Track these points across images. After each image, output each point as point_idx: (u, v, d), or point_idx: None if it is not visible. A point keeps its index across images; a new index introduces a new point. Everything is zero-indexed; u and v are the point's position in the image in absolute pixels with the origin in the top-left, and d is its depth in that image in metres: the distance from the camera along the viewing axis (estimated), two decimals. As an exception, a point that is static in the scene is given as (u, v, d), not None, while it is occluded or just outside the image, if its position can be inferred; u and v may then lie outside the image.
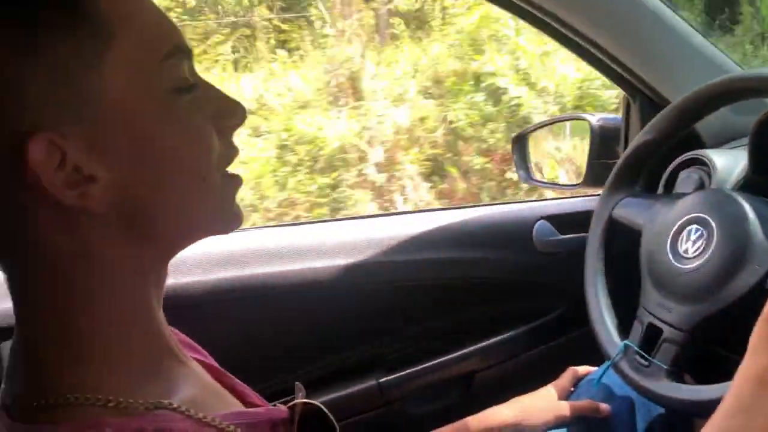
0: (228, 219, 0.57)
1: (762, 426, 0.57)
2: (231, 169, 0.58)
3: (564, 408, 0.95)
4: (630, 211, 0.95)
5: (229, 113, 0.56)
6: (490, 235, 1.26)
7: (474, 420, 0.94)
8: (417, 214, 1.37)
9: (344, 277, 1.17)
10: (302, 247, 1.18)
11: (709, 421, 0.60)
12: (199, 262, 1.13)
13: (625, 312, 0.92)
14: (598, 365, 1.00)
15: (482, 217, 1.30)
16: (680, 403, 0.76)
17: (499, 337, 1.25)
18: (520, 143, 1.49)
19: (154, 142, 0.50)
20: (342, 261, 1.18)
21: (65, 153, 0.46)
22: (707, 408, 0.69)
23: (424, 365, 1.22)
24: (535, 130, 1.51)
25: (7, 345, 0.54)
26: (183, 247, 0.57)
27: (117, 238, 0.51)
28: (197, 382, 0.58)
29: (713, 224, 0.79)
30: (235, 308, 1.14)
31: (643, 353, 0.82)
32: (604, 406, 0.95)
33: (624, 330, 0.89)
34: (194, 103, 0.53)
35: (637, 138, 0.97)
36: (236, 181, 0.58)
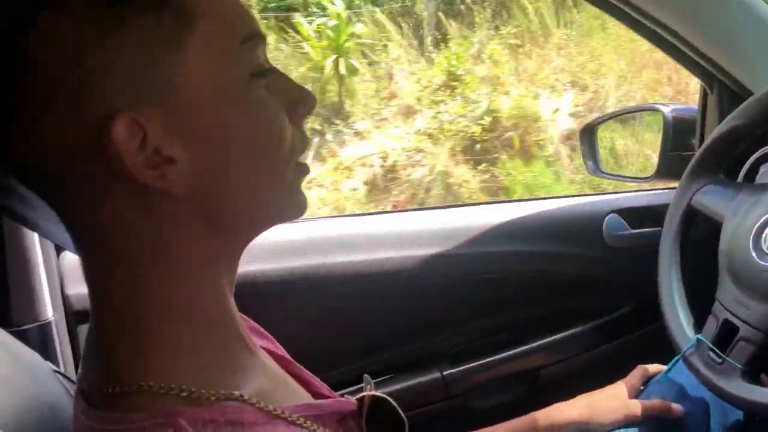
0: (296, 208, 0.57)
1: None
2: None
3: (634, 407, 0.91)
4: (711, 199, 0.91)
5: (301, 101, 0.56)
6: (559, 228, 1.24)
7: (540, 415, 0.92)
8: (485, 206, 1.36)
9: (410, 268, 1.17)
10: (367, 237, 1.19)
11: None
12: (266, 251, 1.14)
13: (700, 306, 0.88)
14: (668, 364, 0.98)
15: (552, 210, 1.28)
16: (751, 404, 0.73)
17: (566, 333, 1.23)
18: (588, 134, 1.45)
19: (230, 128, 0.50)
20: (408, 252, 1.18)
21: (146, 133, 0.47)
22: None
23: (489, 359, 1.21)
24: (605, 121, 1.47)
25: (84, 328, 0.56)
26: (254, 236, 0.57)
27: (190, 224, 0.51)
28: (267, 372, 0.58)
29: None
30: (300, 298, 1.15)
31: (717, 350, 0.79)
32: (677, 407, 0.91)
33: (698, 324, 0.86)
34: (269, 90, 0.53)
35: (725, 122, 0.92)
36: (304, 170, 0.58)
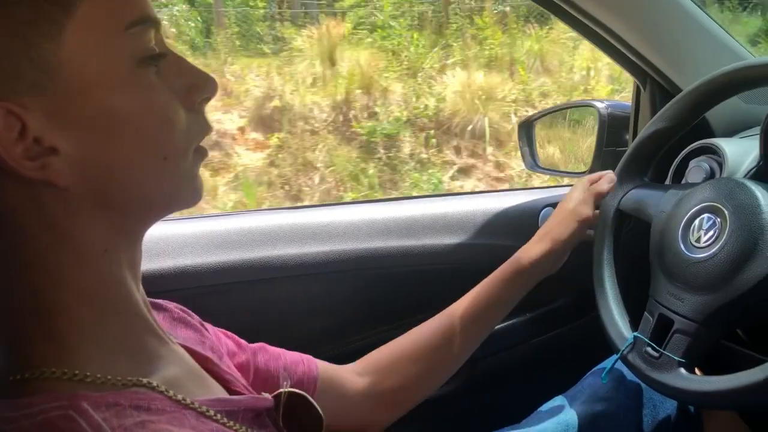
0: (191, 194, 0.56)
1: None
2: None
3: (580, 209, 0.95)
4: (639, 202, 0.94)
5: (199, 87, 0.55)
6: (495, 221, 1.25)
7: (507, 267, 0.95)
8: (425, 199, 1.35)
9: (355, 260, 1.17)
10: (302, 230, 1.17)
11: None
12: (201, 245, 1.12)
13: (635, 305, 0.91)
14: (603, 355, 1.00)
15: (488, 204, 1.29)
16: (691, 394, 0.74)
17: (502, 325, 1.24)
18: (526, 130, 1.48)
19: (115, 115, 0.49)
20: (343, 246, 1.17)
21: (25, 123, 0.46)
22: (719, 399, 0.68)
23: None
24: (541, 116, 1.49)
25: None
26: (151, 223, 0.56)
27: (82, 213, 0.50)
28: (180, 363, 0.58)
29: (726, 213, 0.77)
30: (235, 291, 1.13)
31: (654, 345, 0.80)
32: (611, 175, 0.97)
33: (634, 324, 0.88)
34: (161, 76, 0.52)
35: (648, 126, 0.96)
36: (201, 154, 0.57)
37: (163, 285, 1.03)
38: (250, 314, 1.13)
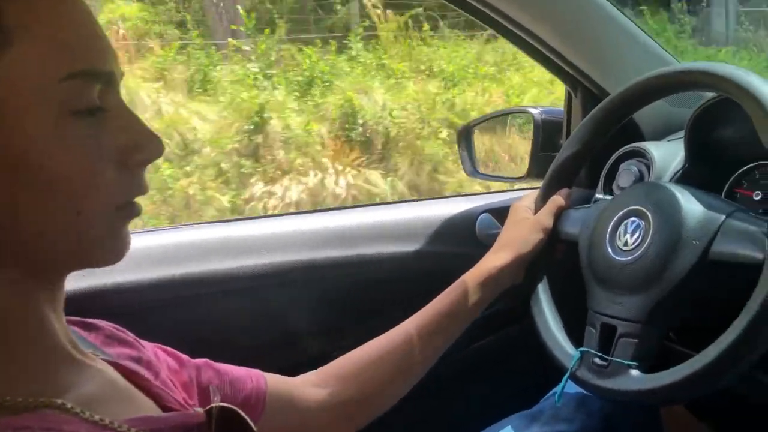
0: (103, 255, 0.54)
1: None
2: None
3: (543, 219, 0.95)
4: (563, 224, 0.96)
5: (140, 148, 0.53)
6: (433, 228, 1.25)
7: (473, 274, 0.94)
8: (362, 209, 1.35)
9: (286, 272, 1.15)
10: (237, 244, 1.16)
11: None
12: (139, 260, 1.09)
13: (576, 324, 0.91)
14: (537, 358, 1.00)
15: (426, 211, 1.29)
16: (652, 393, 0.73)
17: None
18: (465, 136, 1.49)
19: (31, 160, 0.47)
20: (283, 257, 1.15)
21: None
22: (670, 393, 0.69)
23: None
24: (480, 123, 1.51)
25: None
26: (58, 273, 0.54)
27: None
28: (103, 382, 0.55)
29: (648, 213, 0.79)
30: (176, 307, 1.10)
31: (602, 355, 0.79)
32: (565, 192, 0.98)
33: (577, 341, 0.87)
34: (95, 130, 0.50)
35: (560, 154, 0.98)
36: (130, 213, 0.54)
37: (102, 303, 1.00)
38: (192, 330, 1.10)
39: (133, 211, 0.55)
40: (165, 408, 0.61)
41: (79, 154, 0.49)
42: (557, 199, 0.98)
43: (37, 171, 0.47)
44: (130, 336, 0.71)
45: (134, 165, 0.53)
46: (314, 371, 0.87)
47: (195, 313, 1.11)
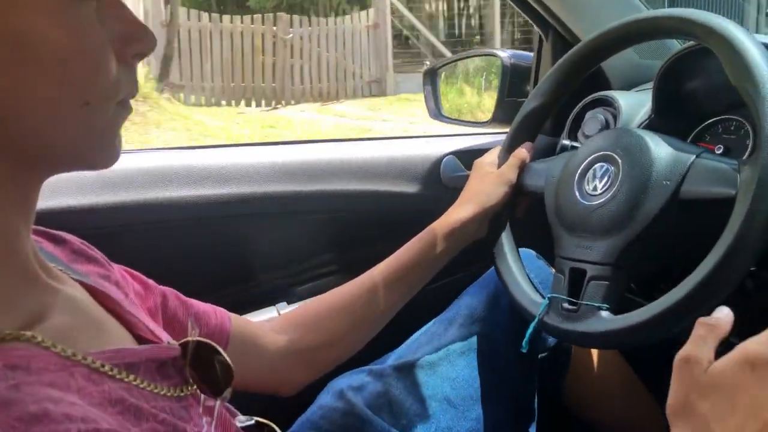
0: (104, 153, 0.51)
1: None
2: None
3: (506, 172, 0.96)
4: (527, 177, 0.95)
5: (136, 39, 0.50)
6: (397, 168, 1.24)
7: (436, 227, 0.94)
8: (323, 144, 1.33)
9: (245, 204, 1.13)
10: (201, 171, 1.13)
11: None
12: (98, 183, 1.05)
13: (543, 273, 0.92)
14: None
15: (390, 150, 1.28)
16: (623, 332, 0.72)
17: None
18: (431, 78, 1.47)
19: (38, 41, 0.43)
20: (242, 189, 1.13)
21: None
22: (640, 332, 0.70)
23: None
24: (446, 65, 1.49)
25: None
26: (48, 174, 0.50)
27: None
28: (75, 311, 0.52)
29: (617, 158, 0.80)
30: (133, 234, 1.08)
31: (571, 299, 0.79)
32: (528, 146, 0.98)
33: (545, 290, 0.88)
34: (101, 16, 0.47)
35: (523, 107, 0.97)
36: (125, 110, 0.51)
37: (56, 224, 0.97)
38: (149, 260, 1.08)
39: (130, 109, 0.52)
40: (137, 337, 0.58)
41: (90, 39, 0.46)
42: (520, 153, 0.98)
43: (45, 53, 0.44)
44: (98, 253, 0.68)
45: (131, 57, 0.50)
46: (277, 317, 0.87)
47: (151, 242, 1.09)
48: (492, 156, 1.01)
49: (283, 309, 1.16)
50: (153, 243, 1.09)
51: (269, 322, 0.87)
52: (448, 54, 9.84)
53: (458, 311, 0.98)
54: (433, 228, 0.94)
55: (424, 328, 0.99)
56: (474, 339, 0.94)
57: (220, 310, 0.81)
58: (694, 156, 0.74)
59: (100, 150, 0.50)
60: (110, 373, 0.48)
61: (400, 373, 0.90)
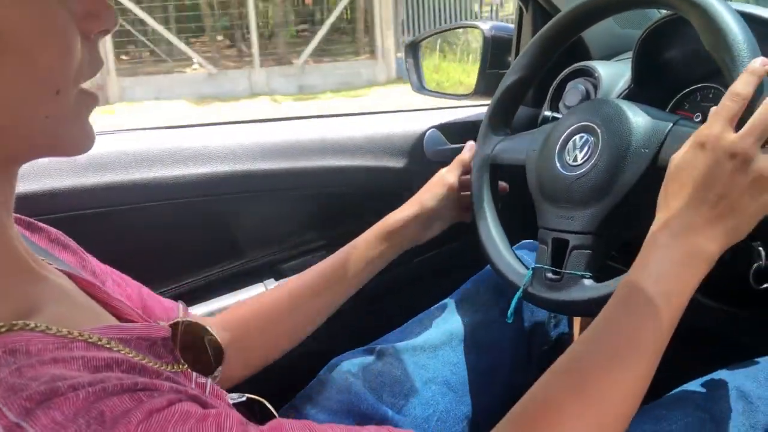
0: (79, 141, 0.50)
1: (679, 259, 0.60)
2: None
3: (446, 175, 0.98)
4: (508, 150, 0.96)
5: (99, 16, 0.49)
6: (381, 143, 1.25)
7: (376, 228, 0.94)
8: (305, 121, 1.33)
9: (232, 183, 1.14)
10: (185, 151, 1.13)
11: (624, 276, 0.63)
12: (74, 166, 1.05)
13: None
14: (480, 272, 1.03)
15: (373, 125, 1.28)
16: (596, 300, 0.73)
17: None
18: (413, 51, 1.47)
19: (3, 30, 0.42)
20: (228, 167, 1.13)
21: None
22: None
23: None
24: (428, 37, 1.48)
25: None
26: (21, 162, 0.50)
27: None
28: (63, 298, 0.53)
29: (596, 128, 0.80)
30: (122, 214, 1.08)
31: (555, 269, 0.80)
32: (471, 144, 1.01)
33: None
34: None
35: (506, 77, 0.98)
36: (91, 99, 0.51)
37: (32, 209, 0.97)
38: (137, 241, 1.08)
39: (95, 98, 0.51)
40: (122, 319, 0.59)
41: (55, 22, 0.45)
42: (461, 156, 1.01)
43: (12, 45, 0.43)
44: (72, 242, 0.69)
45: (94, 36, 0.49)
46: (219, 315, 0.86)
47: (146, 220, 1.09)
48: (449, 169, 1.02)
49: (270, 285, 1.18)
50: (139, 224, 1.09)
51: (216, 319, 0.86)
52: (190, 52, 9.05)
53: (463, 296, 0.99)
54: (375, 227, 0.94)
55: (428, 311, 1.00)
56: (477, 325, 0.95)
57: (183, 307, 0.80)
58: (672, 124, 0.75)
59: (74, 137, 0.50)
60: (107, 345, 0.48)
61: (402, 354, 0.91)
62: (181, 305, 0.79)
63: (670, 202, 0.63)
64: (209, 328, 0.64)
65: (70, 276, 0.58)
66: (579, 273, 0.78)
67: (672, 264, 0.60)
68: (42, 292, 0.51)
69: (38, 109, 0.46)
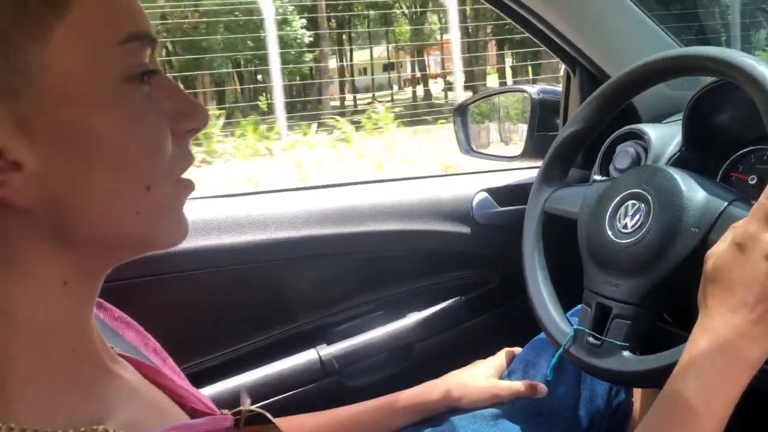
0: (171, 234, 0.51)
1: (721, 366, 0.60)
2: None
3: (501, 388, 0.94)
4: (562, 201, 0.96)
5: (188, 116, 0.50)
6: (430, 207, 1.26)
7: (411, 393, 0.93)
8: (358, 186, 1.35)
9: (286, 249, 1.16)
10: (240, 220, 1.15)
11: (667, 383, 0.63)
12: None
13: (572, 301, 0.92)
14: (534, 334, 1.02)
15: (423, 189, 1.30)
16: (646, 374, 0.74)
17: (437, 308, 1.26)
18: (461, 114, 1.49)
19: (93, 133, 0.44)
20: (283, 234, 1.16)
21: None
22: (658, 376, 0.70)
23: (364, 337, 1.22)
24: (476, 101, 1.51)
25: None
26: (119, 260, 0.50)
27: (42, 241, 0.44)
28: (133, 397, 0.52)
29: (649, 197, 0.80)
30: (172, 283, 1.10)
31: (595, 334, 0.80)
32: (542, 387, 0.93)
33: (565, 308, 0.89)
34: (151, 98, 0.47)
35: (563, 130, 0.98)
36: (187, 187, 0.52)
37: None
38: (189, 309, 1.10)
39: (192, 186, 0.52)
40: (191, 410, 0.58)
41: (144, 123, 0.46)
42: (501, 364, 0.99)
43: (102, 145, 0.44)
44: (132, 321, 0.68)
45: (185, 135, 0.51)
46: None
47: (198, 287, 1.11)
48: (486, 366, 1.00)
49: (323, 350, 1.18)
50: (192, 291, 1.11)
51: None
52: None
53: (520, 365, 0.97)
54: (412, 393, 0.94)
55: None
56: (535, 405, 0.93)
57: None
58: (725, 203, 0.74)
59: (167, 231, 0.50)
60: None
61: (462, 420, 0.90)
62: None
63: (709, 305, 0.63)
64: (270, 417, 0.63)
65: (132, 363, 0.57)
66: (618, 343, 0.77)
67: (714, 371, 0.60)
68: (115, 391, 0.50)
69: (129, 206, 0.47)
